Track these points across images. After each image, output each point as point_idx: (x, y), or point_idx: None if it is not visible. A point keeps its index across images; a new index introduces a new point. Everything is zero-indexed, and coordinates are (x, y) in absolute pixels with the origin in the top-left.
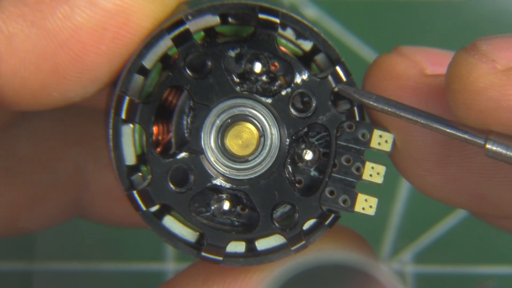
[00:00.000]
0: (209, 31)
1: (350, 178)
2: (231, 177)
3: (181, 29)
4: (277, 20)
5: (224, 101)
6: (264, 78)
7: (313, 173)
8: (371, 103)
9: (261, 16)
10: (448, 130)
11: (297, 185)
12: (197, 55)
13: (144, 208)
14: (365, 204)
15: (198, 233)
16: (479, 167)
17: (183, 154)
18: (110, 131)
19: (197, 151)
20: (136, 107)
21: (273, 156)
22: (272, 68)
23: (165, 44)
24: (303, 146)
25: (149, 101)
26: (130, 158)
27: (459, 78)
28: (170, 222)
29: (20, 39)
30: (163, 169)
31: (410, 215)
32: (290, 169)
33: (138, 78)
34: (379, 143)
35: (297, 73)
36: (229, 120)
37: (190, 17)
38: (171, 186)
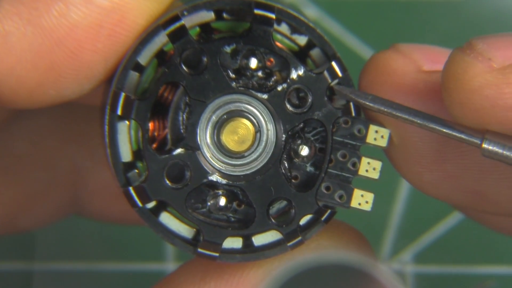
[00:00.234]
0: (205, 27)
1: (346, 173)
2: (227, 173)
3: (177, 25)
4: (273, 16)
5: (220, 97)
6: (260, 73)
7: (309, 168)
8: (367, 103)
9: (256, 11)
10: (444, 130)
11: (293, 180)
12: (192, 51)
13: (140, 204)
14: (361, 200)
15: (194, 229)
16: (477, 164)
17: (179, 150)
18: (106, 127)
19: (193, 147)
20: (132, 103)
21: (269, 152)
22: (268, 63)
23: (161, 40)
24: (299, 141)
25: (145, 97)
26: (126, 154)
27: (455, 77)
28: (166, 219)
29: (16, 37)
30: (159, 165)
31: (410, 215)
32: (286, 164)
33: (134, 75)
34: (375, 139)
35: (293, 69)
36: (224, 116)
37: (185, 13)
38: (167, 182)
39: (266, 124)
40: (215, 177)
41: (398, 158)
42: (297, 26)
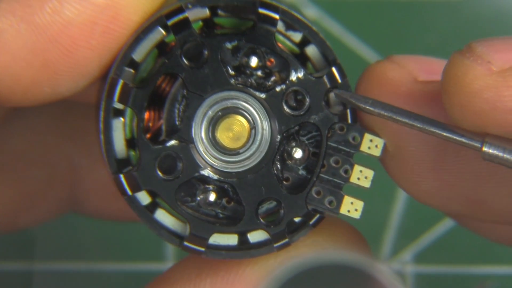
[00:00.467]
0: (208, 22)
1: (338, 179)
2: (220, 169)
3: (180, 16)
4: (277, 16)
5: (218, 93)
6: (259, 73)
7: (301, 171)
8: (368, 107)
9: (261, 10)
10: (444, 134)
11: (284, 182)
12: (194, 44)
13: (130, 192)
14: (351, 207)
15: (186, 224)
16: (474, 172)
17: (172, 142)
18: (102, 113)
19: (187, 140)
20: (130, 91)
21: (262, 151)
22: (268, 63)
23: (162, 30)
24: (293, 144)
25: (142, 86)
26: (119, 142)
27: (455, 80)
28: (161, 215)
29: (10, 35)
30: (152, 155)
31: (410, 215)
32: (278, 165)
33: (133, 63)
34: (369, 147)
35: (292, 71)
36: (219, 113)
37: (190, 6)
38: (159, 173)
39: (262, 123)
40: (206, 172)
41: (394, 167)
42: (299, 28)
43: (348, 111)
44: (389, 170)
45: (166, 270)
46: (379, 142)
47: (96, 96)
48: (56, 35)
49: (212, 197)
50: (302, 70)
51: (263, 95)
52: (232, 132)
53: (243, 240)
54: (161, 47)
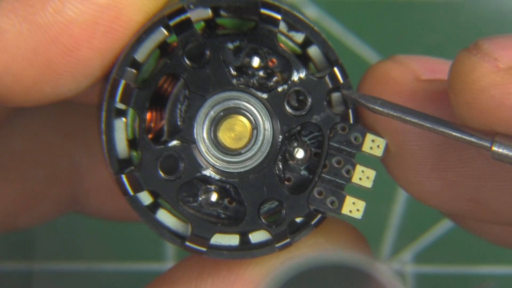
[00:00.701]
0: (210, 22)
1: (340, 180)
2: (221, 169)
3: (182, 17)
4: (279, 17)
5: (220, 93)
6: (261, 73)
7: (303, 172)
8: (377, 108)
9: (263, 11)
10: (454, 134)
11: (286, 182)
12: (196, 44)
13: (131, 193)
14: (353, 207)
15: (188, 224)
16: (477, 172)
17: (174, 142)
18: (103, 113)
19: (189, 140)
20: (132, 91)
21: (264, 151)
22: (270, 64)
23: (165, 31)
24: (295, 144)
25: (144, 87)
26: (121, 142)
27: (462, 77)
28: (163, 215)
29: (12, 35)
30: (154, 155)
31: (410, 215)
32: (280, 166)
33: (135, 63)
34: (371, 148)
35: (294, 71)
36: (221, 113)
37: (192, 6)
38: (161, 173)
39: (264, 124)
40: (208, 172)
41: (396, 168)
42: (302, 28)
43: (350, 111)
44: (391, 170)
45: (167, 270)
46: (381, 142)
47: (98, 97)
48: (57, 35)
49: (214, 197)
50: (304, 70)
51: (265, 95)
52: (234, 133)
53: (244, 240)
54: (163, 47)
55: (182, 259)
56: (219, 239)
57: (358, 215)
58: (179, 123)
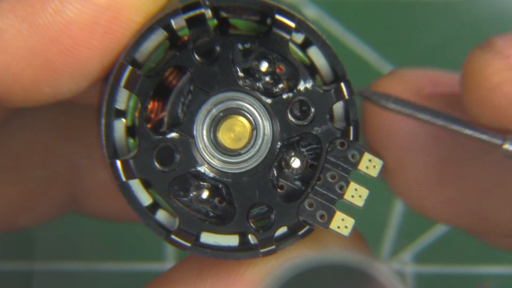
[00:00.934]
0: (223, 21)
1: (332, 194)
2: (216, 167)
3: (197, 12)
4: (293, 25)
5: (225, 92)
6: (268, 78)
7: (296, 182)
8: (390, 105)
9: (277, 17)
10: (466, 131)
11: (278, 190)
12: (207, 41)
13: (124, 178)
14: (341, 223)
15: (176, 218)
16: (478, 186)
17: (173, 135)
18: (106, 96)
19: (188, 134)
20: (137, 78)
21: (261, 155)
22: (278, 70)
23: (177, 23)
24: (292, 153)
25: (150, 75)
26: (119, 127)
27: (474, 75)
28: (146, 200)
29: (11, 35)
30: (151, 145)
31: (410, 215)
32: (275, 172)
33: (144, 51)
34: (367, 167)
35: (301, 80)
36: (221, 114)
37: (207, 3)
38: (155, 163)
39: (264, 128)
40: (203, 169)
41: (397, 183)
42: (313, 40)
43: (351, 128)
44: (392, 186)
45: (167, 270)
46: (377, 162)
47: (98, 97)
48: (57, 35)
49: (205, 194)
50: (311, 81)
51: (269, 100)
52: (234, 133)
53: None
54: (173, 39)
55: (181, 259)
56: (205, 237)
57: (345, 232)
58: (180, 115)
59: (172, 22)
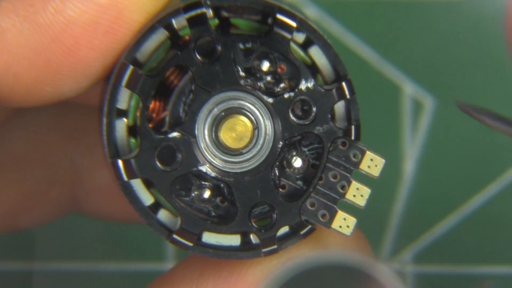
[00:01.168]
0: (224, 21)
1: (334, 194)
2: (218, 167)
3: (198, 11)
4: (294, 24)
5: (226, 91)
6: (269, 77)
7: (298, 181)
8: (490, 122)
9: (279, 16)
10: None
11: (280, 189)
12: (208, 40)
13: (125, 178)
14: (343, 223)
15: (178, 217)
16: None
17: (175, 134)
18: (107, 95)
19: (190, 134)
20: (138, 78)
21: (263, 155)
22: (279, 70)
23: (179, 23)
24: (294, 153)
25: (152, 75)
26: (121, 127)
27: None
28: (148, 200)
29: (12, 34)
30: (153, 144)
31: (410, 215)
32: (276, 172)
33: (145, 50)
34: (369, 166)
35: (303, 80)
36: (222, 113)
37: (208, 3)
38: (157, 163)
39: (266, 127)
40: (205, 168)
41: None
42: (315, 39)
43: (353, 127)
44: None
45: (168, 270)
46: (379, 162)
47: (99, 97)
48: (58, 35)
49: (207, 194)
50: (312, 80)
51: (270, 100)
52: (235, 132)
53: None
54: (174, 39)
55: (182, 259)
56: (207, 237)
57: (347, 231)
58: (181, 115)
59: (173, 21)
